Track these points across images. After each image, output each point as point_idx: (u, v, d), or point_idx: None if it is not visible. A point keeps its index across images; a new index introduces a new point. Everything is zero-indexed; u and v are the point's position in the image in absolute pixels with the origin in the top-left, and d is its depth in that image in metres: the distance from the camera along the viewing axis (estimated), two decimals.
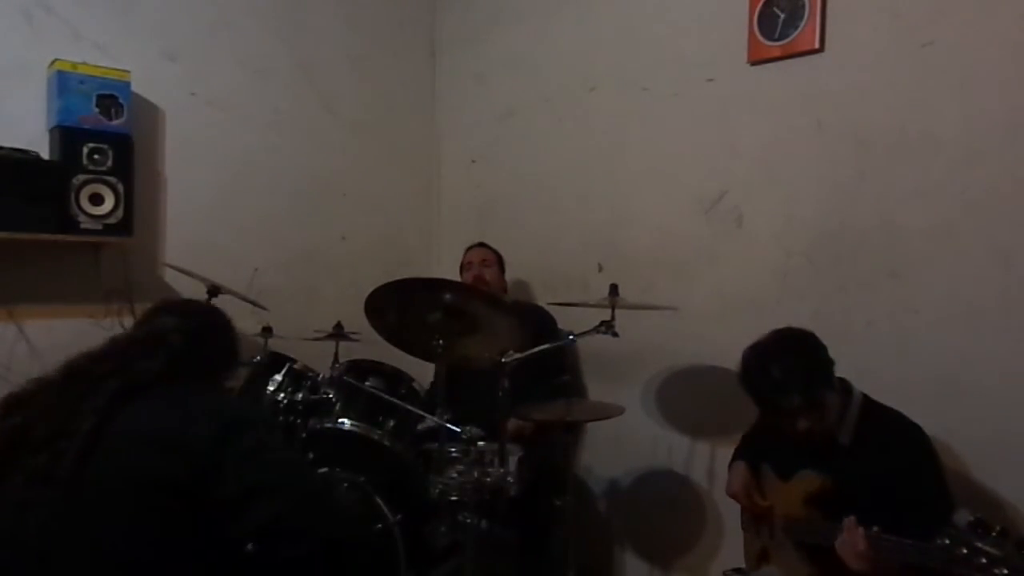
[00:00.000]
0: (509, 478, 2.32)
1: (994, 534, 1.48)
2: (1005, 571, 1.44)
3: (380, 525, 2.42)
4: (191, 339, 1.63)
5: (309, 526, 1.46)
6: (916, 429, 1.99)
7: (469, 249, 3.35)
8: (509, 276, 3.40)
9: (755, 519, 2.23)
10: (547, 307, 3.18)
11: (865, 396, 2.07)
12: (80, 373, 1.54)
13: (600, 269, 3.20)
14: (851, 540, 1.74)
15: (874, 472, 1.91)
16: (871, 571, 1.72)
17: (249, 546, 1.47)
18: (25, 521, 1.41)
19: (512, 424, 2.73)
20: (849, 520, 1.77)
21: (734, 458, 2.35)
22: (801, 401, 1.95)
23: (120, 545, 1.39)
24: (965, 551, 1.49)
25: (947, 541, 1.52)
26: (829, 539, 1.85)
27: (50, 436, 1.44)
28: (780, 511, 2.12)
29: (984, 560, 1.47)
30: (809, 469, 2.03)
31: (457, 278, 2.48)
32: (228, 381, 1.83)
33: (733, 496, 2.27)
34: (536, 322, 3.02)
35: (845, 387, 2.06)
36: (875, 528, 1.72)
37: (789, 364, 1.98)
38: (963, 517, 1.53)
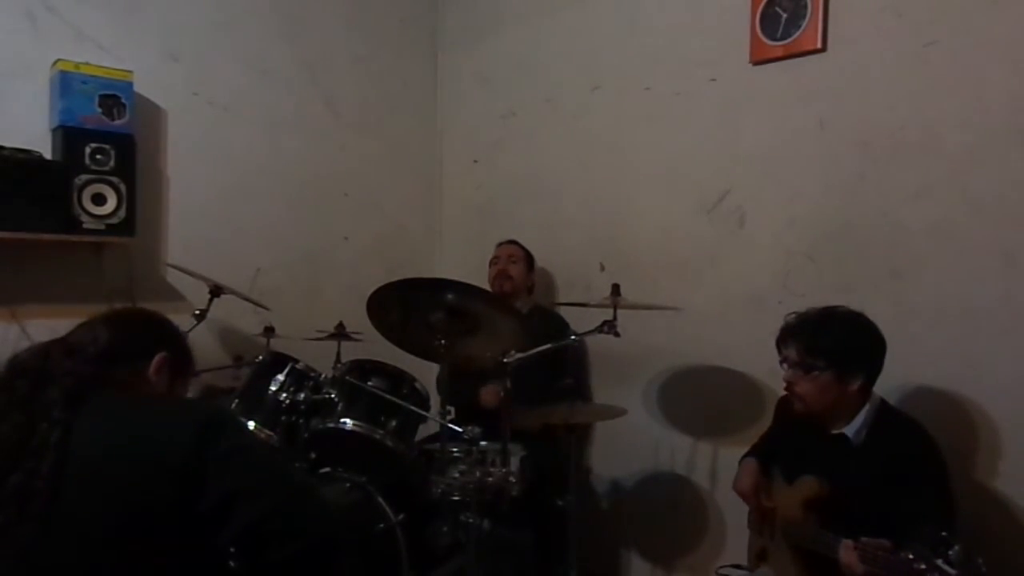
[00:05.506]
0: (511, 478, 2.32)
1: (951, 552, 1.49)
2: None
3: (382, 525, 2.43)
4: (117, 327, 1.50)
5: (295, 526, 1.37)
6: (925, 438, 1.97)
7: (499, 245, 3.34)
8: None
9: (759, 519, 2.23)
10: (551, 307, 3.18)
11: (883, 401, 2.05)
12: (19, 377, 1.38)
13: (602, 269, 3.20)
14: (847, 562, 1.74)
15: (876, 479, 1.91)
16: None
17: (232, 563, 1.38)
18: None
19: (490, 392, 2.83)
20: (845, 545, 1.76)
21: (746, 455, 2.35)
22: (794, 355, 2.00)
23: (104, 571, 1.29)
24: (924, 567, 1.50)
25: (911, 555, 1.54)
26: (819, 544, 1.85)
27: (14, 455, 1.29)
28: (781, 513, 2.12)
29: None
30: (811, 474, 2.03)
31: (459, 278, 2.48)
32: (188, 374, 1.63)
33: (740, 494, 2.27)
34: (543, 325, 3.00)
35: (865, 389, 2.02)
36: (862, 539, 1.71)
37: (815, 319, 2.01)
38: (933, 533, 1.54)
